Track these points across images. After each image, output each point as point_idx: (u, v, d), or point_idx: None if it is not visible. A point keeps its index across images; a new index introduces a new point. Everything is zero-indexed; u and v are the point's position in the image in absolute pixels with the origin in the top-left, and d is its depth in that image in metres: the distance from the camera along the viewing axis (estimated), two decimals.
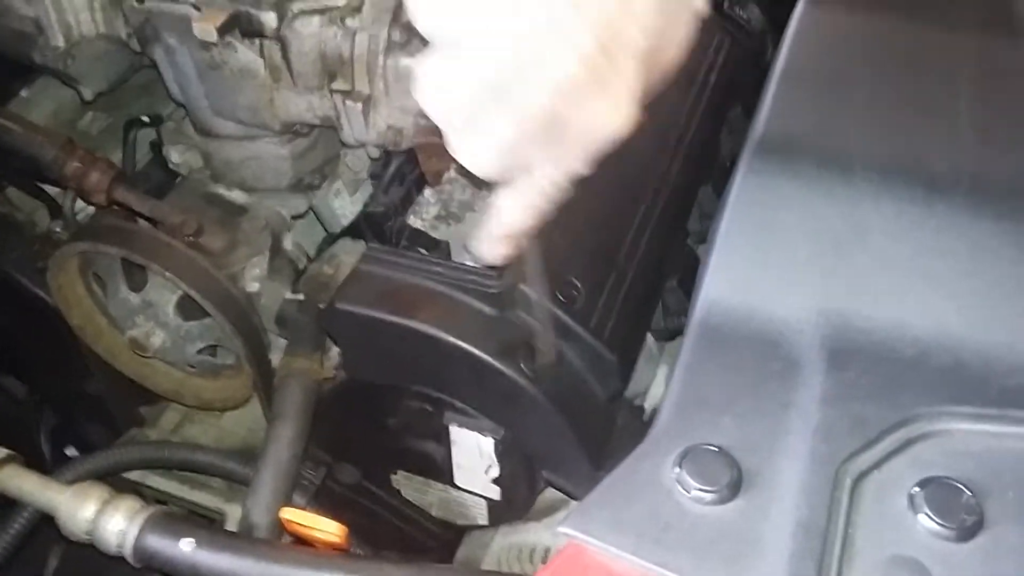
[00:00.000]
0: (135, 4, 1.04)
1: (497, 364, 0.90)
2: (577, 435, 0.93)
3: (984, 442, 0.53)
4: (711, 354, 0.58)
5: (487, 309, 0.94)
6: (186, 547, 0.83)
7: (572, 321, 0.94)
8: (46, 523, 0.95)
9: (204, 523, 1.15)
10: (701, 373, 0.58)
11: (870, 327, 0.57)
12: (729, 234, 0.61)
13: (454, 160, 1.15)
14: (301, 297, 1.09)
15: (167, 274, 0.99)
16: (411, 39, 1.01)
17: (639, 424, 1.00)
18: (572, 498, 1.02)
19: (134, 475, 1.19)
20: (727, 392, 0.56)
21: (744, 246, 0.61)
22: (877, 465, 0.53)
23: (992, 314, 0.57)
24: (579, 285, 0.97)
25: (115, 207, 1.10)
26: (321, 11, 1.01)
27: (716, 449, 0.54)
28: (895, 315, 0.58)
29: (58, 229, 1.15)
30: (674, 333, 1.12)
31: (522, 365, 0.91)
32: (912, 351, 0.56)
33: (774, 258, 0.60)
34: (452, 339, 0.91)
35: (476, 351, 0.91)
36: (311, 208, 1.27)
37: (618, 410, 1.00)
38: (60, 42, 1.14)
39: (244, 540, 0.92)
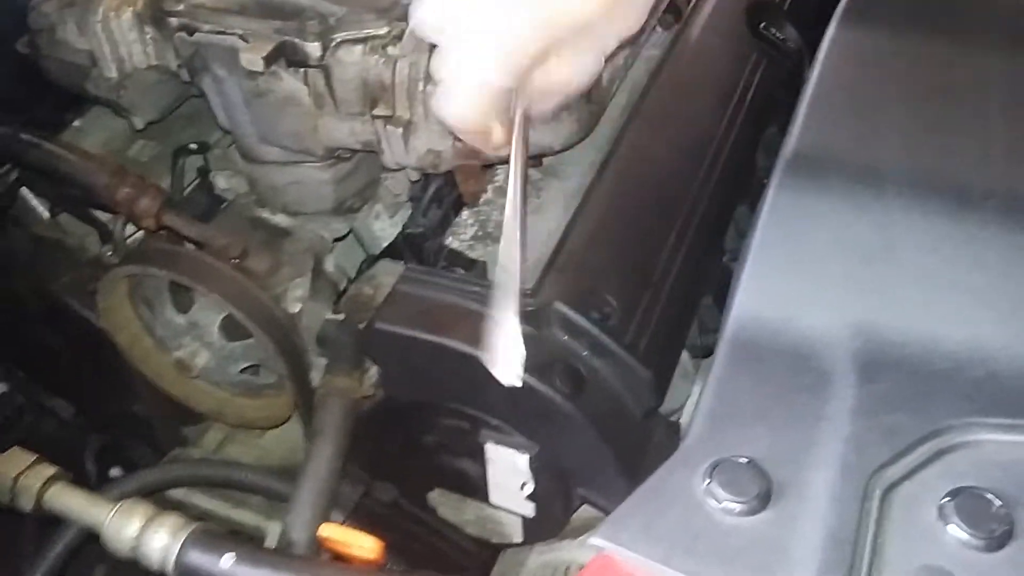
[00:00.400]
0: (185, 37, 1.08)
1: (532, 382, 0.91)
2: (613, 452, 0.94)
3: (1014, 453, 0.53)
4: (743, 367, 0.59)
5: (523, 327, 0.95)
6: (227, 563, 0.85)
7: (607, 338, 0.95)
8: (91, 541, 0.97)
9: (244, 539, 1.16)
10: (732, 385, 0.58)
11: (902, 340, 0.58)
12: (761, 249, 0.62)
13: (490, 181, 1.18)
14: (341, 317, 1.11)
15: (213, 295, 1.02)
16: None
17: (675, 441, 1.00)
18: (607, 515, 1.02)
19: (177, 493, 1.21)
20: (758, 404, 0.57)
21: (776, 260, 0.62)
22: (907, 476, 0.54)
23: (1022, 326, 0.57)
24: (614, 303, 0.98)
25: (163, 231, 1.13)
26: (364, 40, 1.04)
27: (746, 460, 0.54)
28: (927, 328, 0.58)
29: (109, 253, 1.19)
30: (709, 350, 1.12)
31: (558, 383, 0.93)
32: (944, 363, 0.57)
33: (806, 272, 0.61)
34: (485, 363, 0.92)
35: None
36: (352, 230, 1.30)
37: (654, 427, 1.01)
38: (113, 73, 1.18)
39: (283, 556, 0.93)
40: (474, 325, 0.95)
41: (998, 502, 0.50)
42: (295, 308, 1.10)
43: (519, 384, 0.86)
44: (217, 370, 1.14)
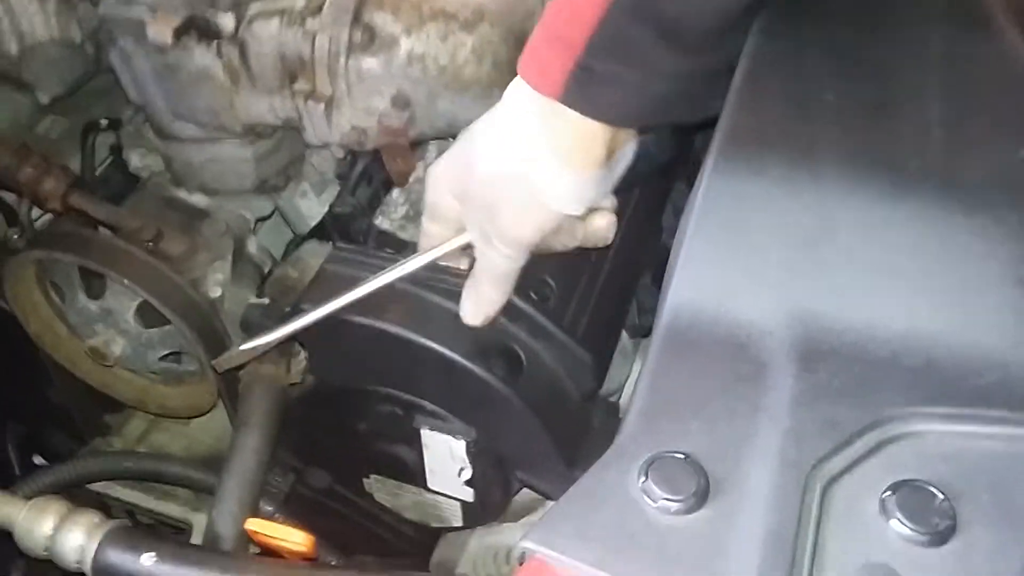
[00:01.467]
0: (90, 7, 1.02)
1: (469, 365, 0.89)
2: (551, 436, 0.92)
3: (957, 443, 0.52)
4: (678, 358, 0.57)
5: (457, 309, 0.92)
6: (147, 561, 0.81)
7: (545, 320, 0.93)
8: (6, 539, 0.93)
9: (166, 536, 1.12)
10: (667, 378, 0.56)
11: (840, 328, 0.56)
12: (696, 236, 0.59)
13: (420, 160, 1.14)
14: (266, 301, 1.07)
15: (125, 281, 0.97)
16: (372, 40, 1.00)
17: (615, 423, 0.98)
18: (548, 498, 1.01)
19: (98, 486, 1.16)
20: (694, 397, 0.55)
21: (711, 248, 0.59)
22: (848, 469, 0.52)
23: (963, 312, 0.56)
24: (552, 283, 0.95)
25: (72, 214, 1.07)
26: (280, 13, 0.99)
27: (683, 456, 0.52)
28: (866, 315, 0.57)
29: (15, 236, 1.12)
30: (648, 330, 1.11)
31: (495, 366, 0.90)
32: (884, 351, 0.55)
33: (742, 259, 0.59)
34: (423, 340, 0.90)
35: (447, 352, 0.89)
36: (277, 210, 1.25)
37: (593, 409, 0.99)
38: (14, 48, 1.12)
39: (207, 553, 0.90)
40: (407, 307, 0.92)
41: (941, 495, 0.49)
42: (215, 292, 1.05)
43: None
44: (135, 358, 1.09)
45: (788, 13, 0.73)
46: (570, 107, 0.69)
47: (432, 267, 0.93)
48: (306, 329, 0.93)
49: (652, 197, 1.12)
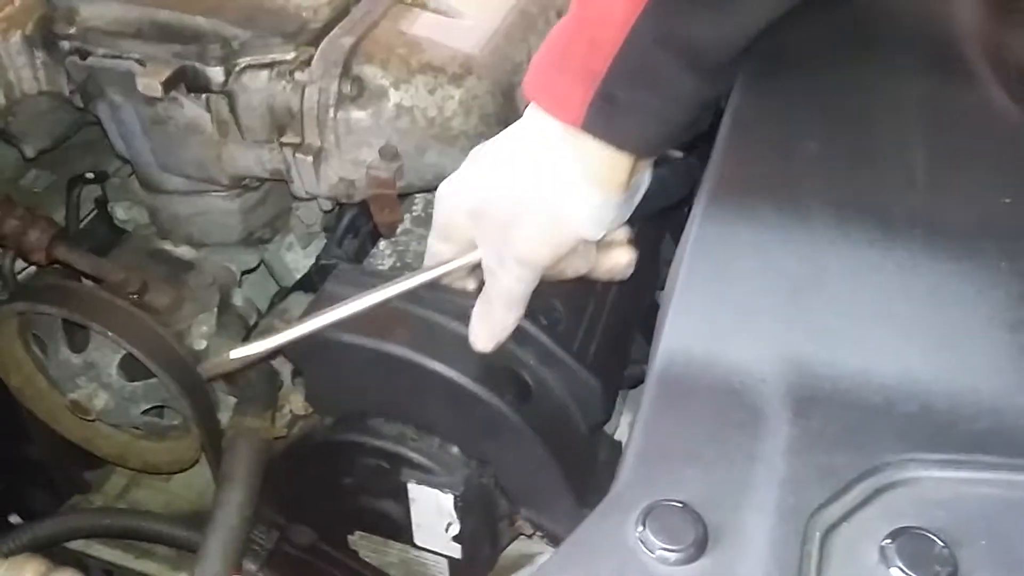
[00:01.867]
0: (78, 61, 1.02)
1: (477, 390, 0.86)
2: (561, 468, 0.88)
3: (955, 489, 0.52)
4: (672, 406, 0.57)
5: (464, 332, 0.87)
6: None
7: (555, 345, 0.90)
8: None
9: None
10: (662, 425, 0.56)
11: (834, 374, 0.56)
12: (687, 284, 0.59)
13: (407, 211, 1.14)
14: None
15: (109, 333, 0.95)
16: (361, 92, 1.00)
17: (618, 459, 0.96)
18: (552, 538, 0.97)
19: (77, 544, 1.14)
20: (690, 445, 0.54)
21: (703, 295, 0.59)
22: (846, 517, 0.52)
23: (956, 357, 0.56)
24: (560, 308, 0.93)
25: (56, 266, 1.07)
26: (269, 65, 0.99)
27: (680, 505, 0.52)
28: (859, 361, 0.57)
29: None
30: (637, 381, 1.10)
31: (503, 392, 0.87)
32: (878, 397, 0.55)
33: (734, 306, 0.59)
34: (429, 363, 0.86)
35: (454, 376, 0.86)
36: (263, 262, 1.24)
37: (600, 443, 0.97)
38: (1, 100, 1.12)
39: None
40: (411, 328, 0.88)
41: (940, 543, 0.48)
42: (200, 345, 1.04)
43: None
44: (117, 412, 1.07)
45: (772, 62, 0.74)
46: (593, 136, 0.69)
47: (437, 288, 0.89)
48: (305, 353, 0.90)
49: (651, 229, 1.10)
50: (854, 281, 0.60)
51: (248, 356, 0.88)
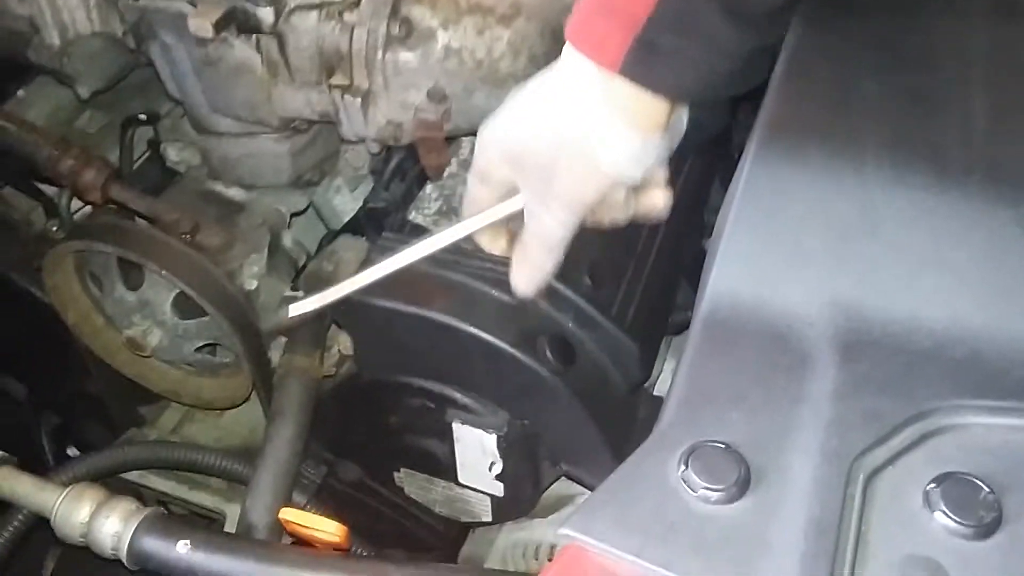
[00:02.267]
0: (131, 1, 1.03)
1: (516, 353, 0.88)
2: (598, 427, 0.91)
3: (1002, 436, 0.51)
4: (718, 348, 0.57)
5: (506, 297, 0.90)
6: (182, 549, 0.82)
7: (593, 309, 0.91)
8: (42, 526, 0.94)
9: (201, 524, 1.13)
10: (707, 368, 0.56)
11: (883, 319, 0.55)
12: (737, 225, 0.59)
13: (454, 154, 1.14)
14: (301, 294, 1.08)
15: (163, 272, 0.97)
16: (410, 33, 1.00)
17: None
18: (590, 491, 1.00)
19: (133, 475, 1.17)
20: (735, 387, 0.55)
21: (753, 237, 0.59)
22: (891, 461, 0.51)
23: (1009, 304, 0.55)
24: (599, 272, 0.94)
25: (111, 205, 1.09)
26: (318, 6, 0.99)
27: (723, 446, 0.52)
28: (909, 306, 0.56)
29: (54, 228, 1.14)
30: (681, 327, 1.10)
31: (544, 355, 0.89)
32: (927, 343, 0.55)
33: (784, 249, 0.59)
34: (470, 328, 0.89)
35: (495, 340, 0.88)
36: (311, 204, 1.26)
37: (639, 401, 0.98)
38: (56, 40, 1.13)
39: (241, 541, 0.90)
40: (454, 295, 0.91)
41: (986, 488, 0.48)
42: (251, 285, 1.06)
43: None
44: (171, 349, 1.10)
45: (830, 3, 0.72)
46: (631, 81, 0.68)
47: (474, 255, 0.92)
48: (349, 318, 0.92)
49: (694, 180, 1.10)
50: (907, 226, 0.59)
51: (305, 313, 0.90)
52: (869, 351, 0.54)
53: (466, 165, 1.22)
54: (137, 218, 1.08)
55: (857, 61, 0.68)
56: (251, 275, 1.07)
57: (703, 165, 1.10)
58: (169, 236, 1.01)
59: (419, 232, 1.09)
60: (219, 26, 0.97)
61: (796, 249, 0.59)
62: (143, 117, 1.23)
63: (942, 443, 0.52)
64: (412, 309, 0.91)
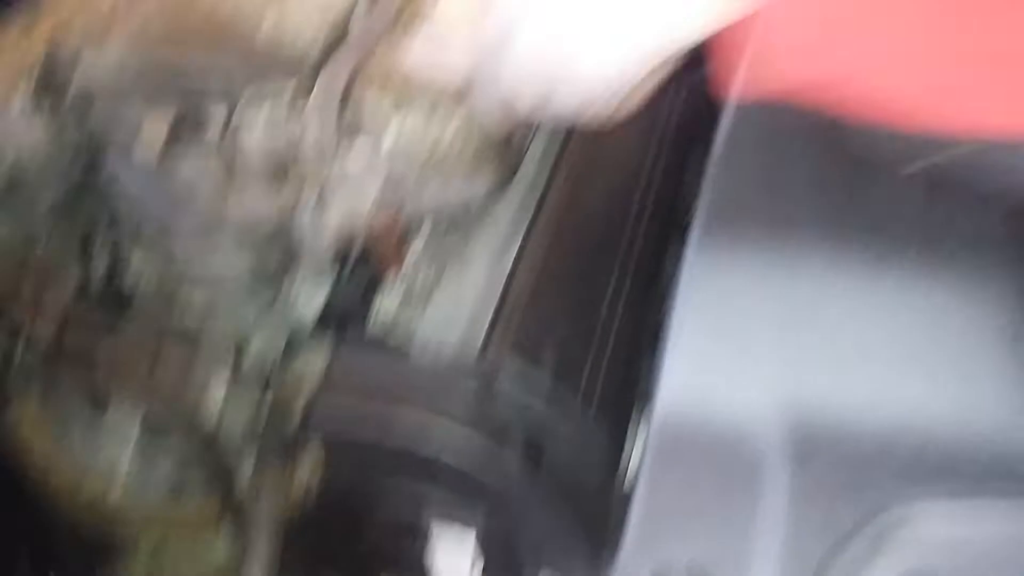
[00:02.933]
0: (80, 117, 1.04)
1: (488, 450, 0.87)
2: (576, 520, 0.88)
3: (957, 528, 0.51)
4: (673, 460, 0.56)
5: (474, 390, 0.91)
6: None
7: (562, 392, 0.90)
8: None
9: None
10: (665, 481, 0.55)
11: (832, 417, 0.55)
12: (680, 334, 0.59)
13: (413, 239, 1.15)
14: (268, 407, 1.07)
15: (127, 399, 0.96)
16: (360, 127, 1.01)
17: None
18: None
19: None
20: (693, 501, 0.54)
21: (697, 345, 0.59)
22: (854, 564, 0.51)
23: (951, 390, 0.55)
24: (563, 353, 0.94)
25: (72, 331, 1.08)
26: (269, 102, 1.00)
27: (687, 566, 0.51)
28: (856, 399, 0.56)
29: (15, 357, 1.12)
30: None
31: (515, 446, 0.88)
32: (876, 438, 0.54)
33: (728, 352, 0.59)
34: (440, 427, 0.89)
35: (465, 437, 0.88)
36: (275, 303, 1.25)
37: (613, 487, 0.97)
38: (8, 160, 1.13)
39: None
40: (421, 394, 0.91)
41: None
42: (218, 402, 1.05)
43: None
44: (139, 473, 1.08)
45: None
46: None
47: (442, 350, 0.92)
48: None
49: (650, 258, 1.10)
50: (848, 313, 0.59)
51: None
52: (820, 452, 0.54)
53: (427, 248, 1.23)
54: (99, 343, 1.08)
55: (787, 144, 0.68)
56: (217, 391, 1.06)
57: (657, 227, 1.10)
58: (131, 359, 1.00)
59: (381, 327, 1.09)
60: (171, 135, 0.98)
61: (741, 347, 0.59)
62: (102, 228, 1.23)
63: (901, 540, 0.51)
64: (377, 413, 0.92)
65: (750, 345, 0.58)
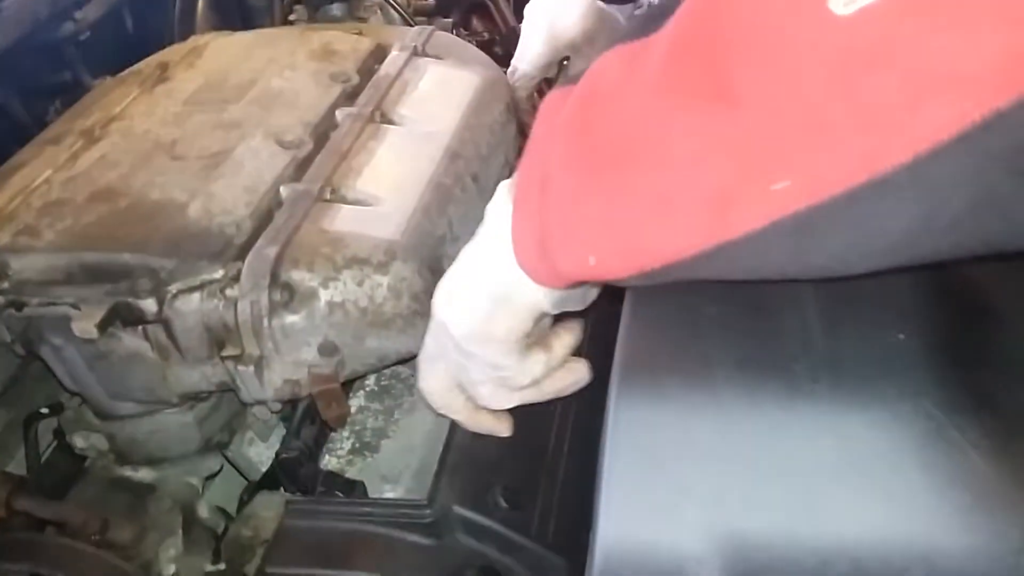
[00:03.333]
0: (14, 313, 1.05)
1: None
2: None
3: None
4: None
5: (424, 541, 0.92)
6: None
7: (514, 534, 0.92)
8: None
9: None
10: None
11: (766, 543, 0.58)
12: (612, 475, 0.61)
13: (359, 390, 1.16)
14: (222, 567, 1.06)
15: None
16: (292, 296, 1.03)
17: None
18: None
19: None
20: None
21: (629, 485, 0.61)
22: None
23: (876, 508, 0.58)
24: (513, 494, 0.95)
25: (17, 517, 1.07)
26: (199, 287, 1.02)
27: None
28: (786, 526, 0.58)
29: None
30: None
31: None
32: (811, 561, 0.57)
33: (661, 490, 0.61)
34: None
35: None
36: (228, 460, 1.25)
37: None
38: None
39: None
40: (372, 549, 0.92)
41: None
42: (169, 571, 1.04)
43: None
44: None
45: None
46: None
47: (384, 504, 0.96)
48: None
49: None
50: (768, 444, 0.62)
51: None
52: None
53: (372, 397, 1.25)
54: (46, 525, 1.07)
55: (696, 285, 0.72)
56: (168, 559, 1.05)
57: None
58: (78, 541, 1.00)
59: (331, 480, 1.10)
60: (103, 325, 0.99)
61: (672, 486, 0.61)
62: (45, 411, 1.23)
63: None
64: (331, 572, 0.92)
65: (680, 486, 0.61)
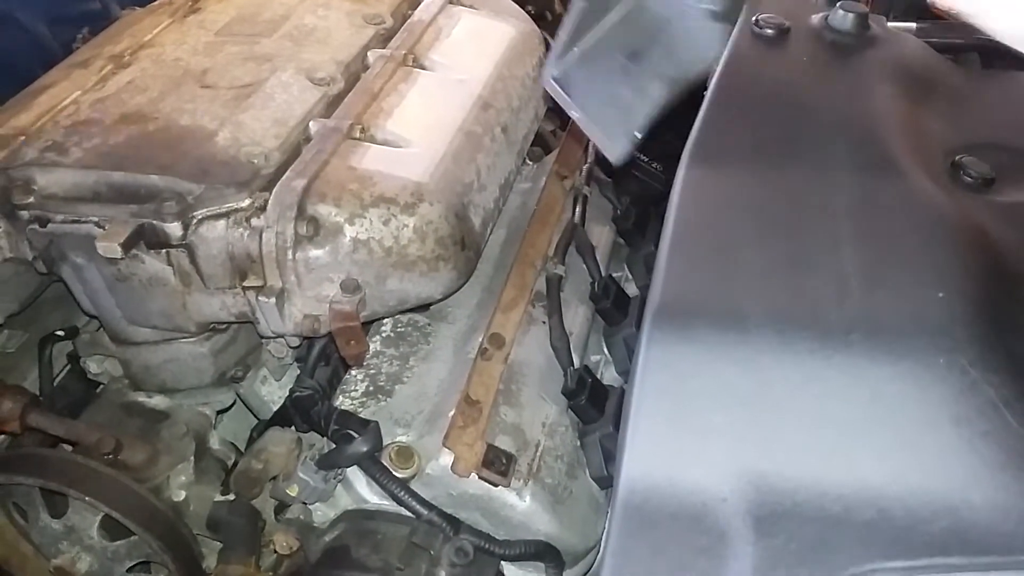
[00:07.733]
0: (38, 228, 1.04)
1: None
2: None
3: None
4: (638, 534, 0.57)
5: None
6: None
7: None
8: None
9: None
10: (630, 558, 0.57)
11: (791, 487, 0.57)
12: (640, 412, 0.61)
13: (376, 334, 1.15)
14: (232, 497, 1.06)
15: (86, 498, 0.96)
16: (317, 231, 1.02)
17: None
18: None
19: None
20: (661, 573, 0.55)
21: (657, 420, 0.61)
22: None
23: (906, 456, 0.58)
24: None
25: (31, 433, 1.07)
26: (226, 215, 1.02)
27: None
28: (813, 471, 0.58)
29: None
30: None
31: None
32: (836, 507, 0.56)
33: (688, 429, 0.60)
34: None
35: None
36: (238, 397, 1.25)
37: None
38: None
39: None
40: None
41: None
42: (179, 496, 1.04)
43: None
44: (102, 573, 1.06)
45: (700, 182, 0.77)
46: None
47: None
48: None
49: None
50: (799, 391, 0.62)
51: None
52: (782, 523, 0.56)
53: (388, 342, 1.24)
54: (59, 443, 1.07)
55: (733, 231, 0.72)
56: (179, 486, 1.05)
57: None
58: (91, 459, 1.00)
59: (345, 419, 1.09)
60: (127, 246, 0.99)
61: (700, 428, 0.61)
62: (61, 333, 1.23)
63: None
64: None
65: (707, 423, 0.60)
